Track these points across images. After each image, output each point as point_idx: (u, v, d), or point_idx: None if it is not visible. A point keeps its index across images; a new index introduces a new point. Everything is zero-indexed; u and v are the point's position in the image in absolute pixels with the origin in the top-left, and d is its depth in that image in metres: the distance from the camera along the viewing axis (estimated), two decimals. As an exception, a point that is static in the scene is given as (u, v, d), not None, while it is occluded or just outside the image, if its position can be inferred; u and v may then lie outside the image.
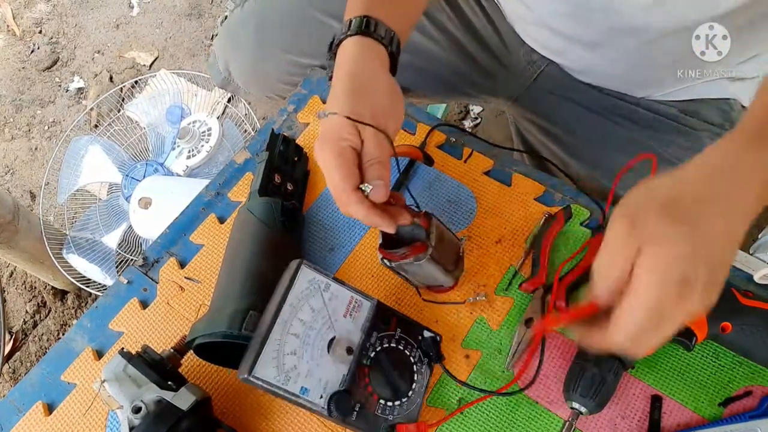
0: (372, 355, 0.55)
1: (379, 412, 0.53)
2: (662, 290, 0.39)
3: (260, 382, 0.49)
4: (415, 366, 0.56)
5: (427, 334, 0.58)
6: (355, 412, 0.52)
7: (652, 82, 0.74)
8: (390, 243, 0.57)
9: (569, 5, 0.68)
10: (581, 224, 0.65)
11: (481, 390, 0.56)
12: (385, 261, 0.56)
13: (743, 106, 0.78)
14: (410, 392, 0.55)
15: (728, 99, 0.77)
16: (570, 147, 0.78)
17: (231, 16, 0.88)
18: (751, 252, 0.62)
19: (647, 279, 0.39)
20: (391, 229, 0.53)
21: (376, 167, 0.51)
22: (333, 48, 0.58)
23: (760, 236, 0.64)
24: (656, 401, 0.55)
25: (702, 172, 0.43)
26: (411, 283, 0.62)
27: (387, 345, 0.56)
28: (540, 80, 0.82)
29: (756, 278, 0.59)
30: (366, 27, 0.56)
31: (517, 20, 0.80)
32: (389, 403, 0.54)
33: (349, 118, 0.51)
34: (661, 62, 0.70)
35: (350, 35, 0.56)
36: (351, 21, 0.57)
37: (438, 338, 0.58)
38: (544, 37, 0.77)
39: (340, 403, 0.51)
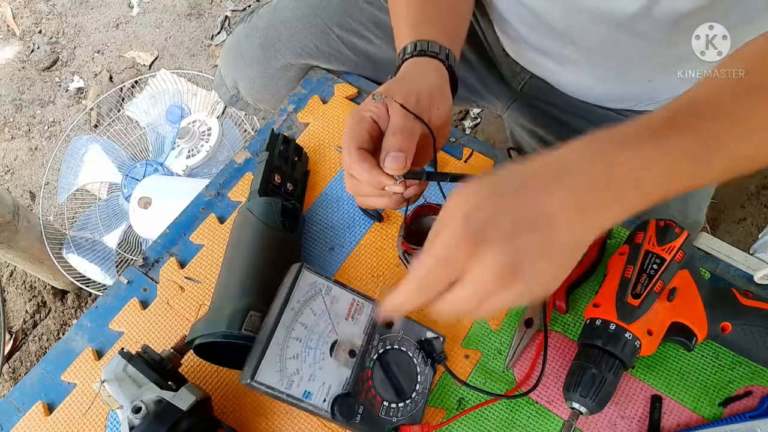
0: (375, 357, 0.55)
1: (383, 414, 0.53)
2: (455, 237, 0.37)
3: (263, 387, 0.49)
4: (418, 367, 0.56)
5: (429, 334, 0.58)
6: (358, 415, 0.52)
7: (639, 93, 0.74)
8: (411, 236, 0.56)
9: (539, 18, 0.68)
10: (581, 224, 0.65)
11: (487, 393, 0.56)
12: (406, 255, 0.55)
13: None
14: (414, 393, 0.55)
15: None
16: None
17: (234, 33, 0.87)
18: (751, 252, 0.63)
19: (447, 222, 0.38)
20: (398, 190, 0.50)
21: (398, 137, 0.50)
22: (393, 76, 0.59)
23: (760, 236, 0.64)
24: (656, 401, 0.55)
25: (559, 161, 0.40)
26: None
27: (389, 347, 0.56)
28: (526, 90, 0.82)
29: (756, 278, 0.59)
30: (421, 48, 0.58)
31: (499, 32, 0.80)
32: (393, 405, 0.54)
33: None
34: (660, 63, 0.70)
35: (406, 59, 0.58)
36: (406, 47, 0.59)
37: (441, 339, 0.58)
38: (522, 51, 0.78)
39: (344, 406, 0.51)
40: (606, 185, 0.39)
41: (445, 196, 0.55)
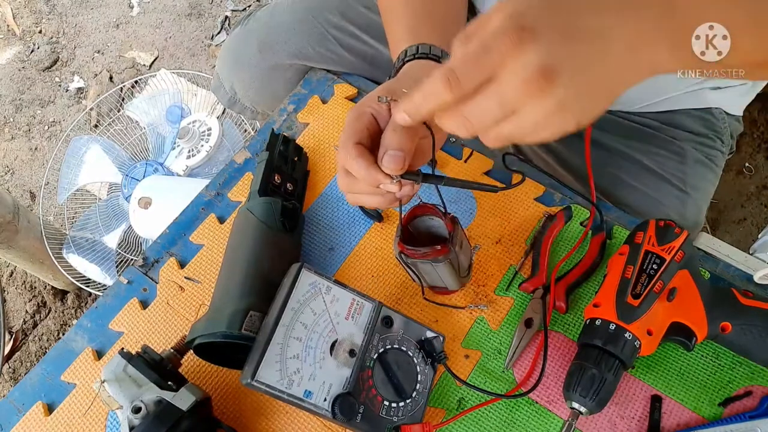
0: (375, 356, 0.55)
1: (384, 413, 0.53)
2: (499, 29, 0.34)
3: (263, 387, 0.49)
4: (418, 367, 0.56)
5: (429, 334, 0.58)
6: (359, 414, 0.52)
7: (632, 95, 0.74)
8: (408, 237, 0.56)
9: None
10: (581, 224, 0.65)
11: (487, 392, 0.56)
12: (402, 256, 0.55)
13: (727, 113, 0.78)
14: (414, 393, 0.55)
15: (710, 108, 0.77)
16: (560, 156, 0.78)
17: (232, 36, 0.87)
18: (751, 252, 0.63)
19: (493, 15, 0.35)
20: (392, 189, 0.49)
21: (399, 134, 0.48)
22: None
23: (760, 236, 0.64)
24: (656, 401, 0.55)
25: None
26: (417, 281, 0.62)
27: (390, 346, 0.56)
28: None
29: (756, 278, 0.59)
30: (422, 50, 0.58)
31: None
32: (393, 405, 0.54)
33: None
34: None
35: (408, 60, 0.58)
36: (406, 50, 0.59)
37: (441, 338, 0.58)
38: None
39: (344, 406, 0.51)
40: (671, 25, 0.36)
41: (441, 198, 0.56)
